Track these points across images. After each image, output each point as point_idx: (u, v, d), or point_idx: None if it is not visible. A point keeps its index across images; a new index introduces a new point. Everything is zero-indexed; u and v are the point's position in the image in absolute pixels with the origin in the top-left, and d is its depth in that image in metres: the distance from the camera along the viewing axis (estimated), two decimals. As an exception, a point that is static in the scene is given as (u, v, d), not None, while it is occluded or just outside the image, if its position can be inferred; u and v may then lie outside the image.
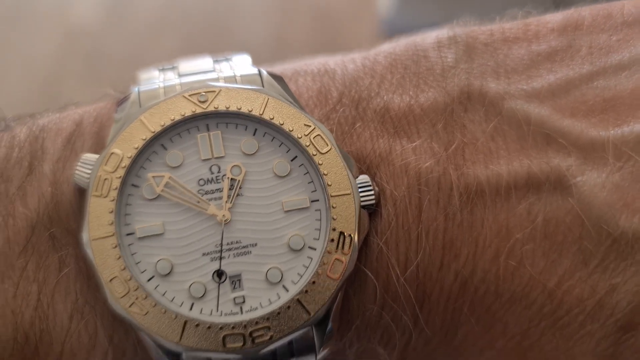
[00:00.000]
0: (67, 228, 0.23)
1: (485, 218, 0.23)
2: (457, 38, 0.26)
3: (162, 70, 0.26)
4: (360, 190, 0.24)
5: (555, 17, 0.27)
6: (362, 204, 0.23)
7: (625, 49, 0.25)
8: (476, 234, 0.23)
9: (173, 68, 0.26)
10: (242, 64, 0.26)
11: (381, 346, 0.25)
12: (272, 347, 0.22)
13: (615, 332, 0.22)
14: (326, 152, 0.24)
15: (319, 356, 0.23)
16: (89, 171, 0.23)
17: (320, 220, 0.24)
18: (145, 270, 0.22)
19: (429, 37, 0.27)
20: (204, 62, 0.26)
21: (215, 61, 0.27)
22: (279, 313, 0.22)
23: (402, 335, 0.24)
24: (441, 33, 0.27)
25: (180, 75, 0.26)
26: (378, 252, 0.24)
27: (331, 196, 0.23)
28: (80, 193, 0.23)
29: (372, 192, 0.24)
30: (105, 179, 0.23)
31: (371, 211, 0.24)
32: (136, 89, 0.25)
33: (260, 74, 0.26)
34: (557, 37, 0.26)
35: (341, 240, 0.23)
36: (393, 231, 0.24)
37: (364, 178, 0.24)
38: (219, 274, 0.23)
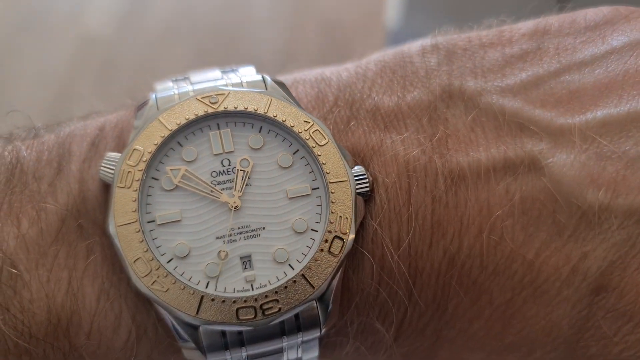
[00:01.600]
0: (94, 220, 0.26)
1: (468, 198, 0.26)
2: (438, 45, 0.30)
3: (175, 80, 0.29)
4: (355, 178, 0.26)
5: (526, 24, 0.30)
6: (358, 191, 0.26)
7: (588, 49, 0.28)
8: (460, 213, 0.26)
9: (185, 79, 0.29)
10: (247, 73, 0.29)
11: (379, 322, 0.27)
12: (281, 318, 0.24)
13: (588, 294, 0.25)
14: (324, 145, 0.27)
15: (324, 330, 0.26)
16: (113, 167, 0.25)
17: (321, 205, 0.26)
18: (165, 254, 0.25)
19: (414, 46, 0.30)
20: (213, 73, 0.29)
21: (223, 72, 0.30)
22: (286, 287, 0.24)
23: (398, 310, 0.27)
24: (425, 41, 0.30)
25: (192, 84, 0.28)
26: (373, 233, 0.26)
27: (330, 183, 0.26)
28: (105, 188, 0.26)
29: (366, 181, 0.26)
30: (129, 172, 0.25)
31: (366, 197, 0.26)
32: (154, 95, 0.28)
33: (264, 79, 0.29)
34: (527, 41, 0.29)
35: (340, 221, 0.25)
36: (386, 214, 0.26)
37: (359, 168, 0.27)
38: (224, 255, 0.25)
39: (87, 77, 1.06)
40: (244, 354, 0.25)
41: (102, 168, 0.26)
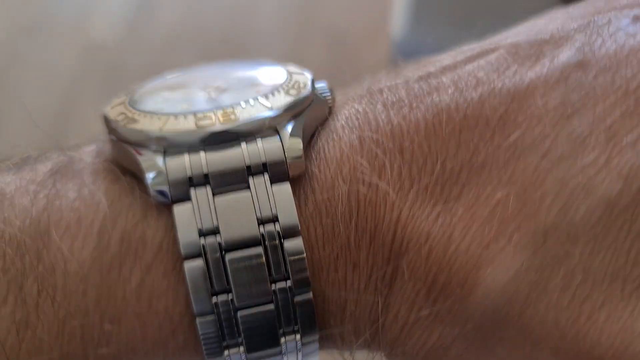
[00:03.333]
0: (83, 161, 0.27)
1: (440, 80, 0.27)
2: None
3: None
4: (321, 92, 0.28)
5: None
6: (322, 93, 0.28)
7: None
8: (434, 88, 0.27)
9: None
10: None
11: (376, 176, 0.25)
12: (237, 124, 0.25)
13: (574, 70, 0.26)
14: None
15: (291, 173, 0.25)
16: None
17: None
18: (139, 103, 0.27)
19: None
20: None
21: None
22: (243, 108, 0.26)
23: (392, 167, 0.26)
24: None
25: None
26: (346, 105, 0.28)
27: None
28: None
29: (329, 93, 0.28)
30: None
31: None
32: None
33: None
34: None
35: (298, 85, 0.27)
36: (355, 99, 0.28)
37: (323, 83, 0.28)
38: None
39: (93, 83, 1.08)
40: (212, 192, 0.25)
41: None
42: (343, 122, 0.27)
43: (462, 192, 0.25)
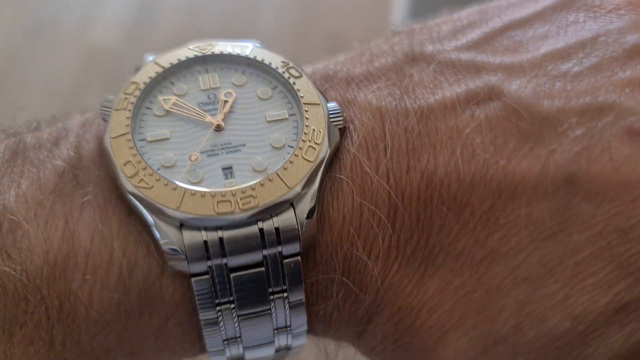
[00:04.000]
0: (89, 174, 0.28)
1: (438, 127, 0.29)
2: (399, 30, 0.35)
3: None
4: (330, 113, 0.29)
5: (472, 9, 0.35)
6: (332, 121, 0.29)
7: (525, 9, 0.33)
8: (433, 140, 0.29)
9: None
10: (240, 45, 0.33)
11: (365, 253, 0.29)
12: (257, 210, 0.27)
13: (563, 185, 0.27)
14: (299, 77, 0.30)
15: (302, 246, 0.28)
16: (112, 101, 0.29)
17: (297, 127, 0.29)
18: (153, 164, 0.28)
19: (381, 38, 0.35)
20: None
21: None
22: (262, 185, 0.27)
23: (383, 238, 0.29)
24: (390, 31, 0.35)
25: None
26: (352, 160, 0.29)
27: (304, 104, 0.29)
28: (101, 150, 0.29)
29: (340, 116, 0.29)
30: (125, 98, 0.29)
31: (340, 127, 0.29)
32: (151, 58, 0.31)
33: (252, 44, 0.32)
34: (474, 15, 0.34)
35: (313, 134, 0.29)
36: (362, 143, 0.29)
37: (334, 104, 0.30)
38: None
39: (94, 87, 1.09)
40: (224, 261, 0.27)
41: (102, 109, 0.29)
42: (347, 177, 0.28)
43: (436, 273, 0.29)
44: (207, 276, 0.27)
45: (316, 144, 0.28)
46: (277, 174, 0.27)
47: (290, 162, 0.28)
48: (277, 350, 0.31)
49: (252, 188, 0.27)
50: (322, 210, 0.28)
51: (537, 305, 0.28)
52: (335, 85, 0.32)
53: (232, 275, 0.28)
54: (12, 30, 1.18)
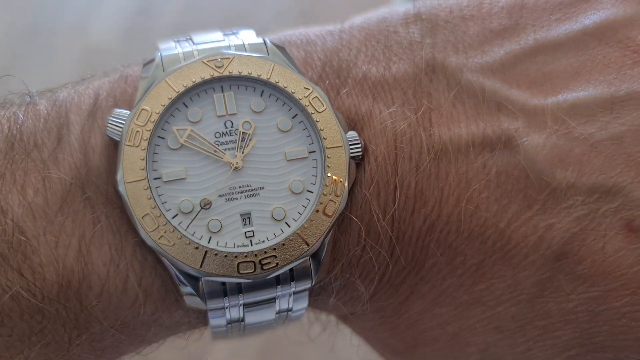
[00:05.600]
0: (97, 188, 0.27)
1: (449, 171, 0.28)
2: (421, 15, 0.31)
3: (178, 41, 0.30)
4: (349, 143, 0.28)
5: None
6: (351, 154, 0.28)
7: (561, 28, 0.30)
8: (442, 184, 0.28)
9: (187, 39, 0.30)
10: (248, 36, 0.31)
11: (360, 280, 0.29)
12: (278, 272, 0.27)
13: (552, 260, 0.27)
14: (322, 111, 0.28)
15: (314, 282, 0.28)
16: (121, 125, 0.27)
17: (317, 168, 0.28)
18: (170, 209, 0.27)
19: (396, 14, 0.32)
20: (215, 34, 0.31)
21: (225, 34, 0.31)
22: (283, 244, 0.27)
23: (379, 269, 0.29)
24: (407, 9, 0.32)
25: (195, 44, 0.30)
26: (363, 201, 0.28)
27: (326, 148, 0.28)
28: (107, 156, 0.27)
29: (359, 146, 0.28)
30: (137, 131, 0.27)
31: (358, 162, 0.28)
32: (159, 54, 0.29)
33: (265, 42, 0.30)
34: (506, 15, 0.31)
35: (335, 185, 0.27)
36: (375, 183, 0.28)
37: (352, 134, 0.28)
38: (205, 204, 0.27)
39: None
40: (241, 301, 0.27)
41: (109, 125, 0.27)
42: (357, 217, 0.28)
43: (419, 300, 0.30)
44: (222, 310, 0.28)
45: (336, 196, 0.27)
46: (298, 234, 0.27)
47: (311, 220, 0.27)
48: (278, 313, 0.31)
49: (274, 249, 0.27)
50: (331, 244, 0.29)
51: (501, 349, 0.30)
52: (349, 85, 0.30)
53: (246, 309, 0.28)
54: (9, 29, 1.13)
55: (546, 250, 0.27)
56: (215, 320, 0.28)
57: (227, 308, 0.28)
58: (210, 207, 0.27)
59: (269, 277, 0.26)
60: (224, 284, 0.27)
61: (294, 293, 0.28)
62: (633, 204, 0.27)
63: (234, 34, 0.31)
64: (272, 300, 0.28)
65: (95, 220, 0.26)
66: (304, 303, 0.29)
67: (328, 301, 0.30)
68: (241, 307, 0.28)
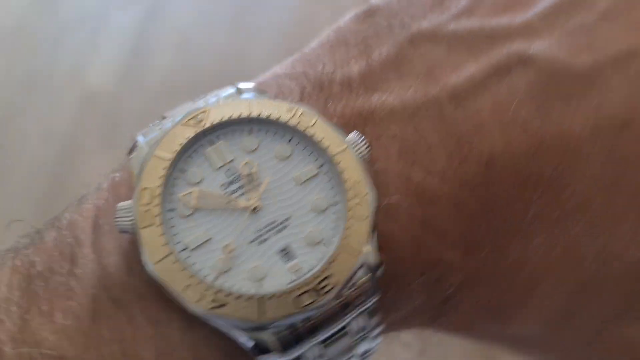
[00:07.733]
0: (123, 289, 0.26)
1: (482, 107, 0.28)
2: (370, 9, 0.32)
3: (154, 124, 0.29)
4: (354, 144, 0.27)
5: None
6: (359, 154, 0.27)
7: None
8: (477, 120, 0.28)
9: (163, 118, 0.29)
10: (219, 91, 0.30)
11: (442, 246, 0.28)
12: (338, 290, 0.25)
13: (618, 133, 0.28)
14: (314, 124, 0.28)
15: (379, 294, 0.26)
16: (129, 214, 0.26)
17: (331, 178, 0.27)
18: (208, 274, 0.25)
19: (348, 19, 0.32)
20: (187, 104, 0.30)
21: (196, 99, 0.30)
22: (331, 262, 0.25)
23: (454, 228, 0.28)
24: (354, 12, 0.32)
25: (170, 117, 0.29)
26: (398, 179, 0.27)
27: (332, 155, 0.27)
28: (125, 259, 0.26)
29: (365, 142, 0.27)
30: (146, 211, 0.26)
31: (367, 158, 0.27)
32: (140, 138, 0.28)
33: (237, 89, 0.29)
34: None
35: (355, 186, 0.26)
36: (400, 153, 0.28)
37: (353, 135, 0.27)
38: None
39: (91, 132, 1.08)
40: (314, 341, 0.26)
41: (118, 220, 0.26)
42: (398, 197, 0.27)
43: (511, 243, 0.28)
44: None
45: (363, 196, 0.26)
46: (342, 247, 0.26)
47: (347, 229, 0.26)
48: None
49: (324, 271, 0.25)
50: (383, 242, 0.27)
51: (613, 247, 0.29)
52: (337, 96, 0.29)
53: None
54: (6, 80, 1.15)
55: (607, 127, 0.28)
56: None
57: (305, 354, 0.26)
58: (233, 253, 0.26)
59: (332, 299, 0.25)
60: (292, 332, 0.25)
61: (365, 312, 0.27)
62: None
63: (204, 97, 0.30)
64: (343, 329, 0.27)
65: (130, 319, 0.25)
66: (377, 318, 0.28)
67: (413, 301, 0.29)
68: (317, 347, 0.26)
